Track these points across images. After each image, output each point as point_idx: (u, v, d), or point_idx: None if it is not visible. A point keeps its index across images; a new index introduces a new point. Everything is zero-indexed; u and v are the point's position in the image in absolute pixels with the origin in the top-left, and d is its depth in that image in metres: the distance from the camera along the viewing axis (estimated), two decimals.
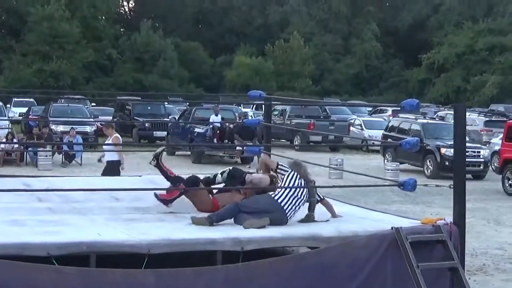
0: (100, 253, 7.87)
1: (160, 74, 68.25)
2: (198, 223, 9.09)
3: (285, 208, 9.28)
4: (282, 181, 9.65)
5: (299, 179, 9.58)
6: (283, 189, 9.43)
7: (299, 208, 9.48)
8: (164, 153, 10.60)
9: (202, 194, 10.13)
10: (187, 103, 41.42)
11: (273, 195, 9.44)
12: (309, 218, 9.58)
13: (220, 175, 10.41)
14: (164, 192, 10.19)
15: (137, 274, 7.72)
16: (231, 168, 10.75)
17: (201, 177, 10.76)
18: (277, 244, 8.92)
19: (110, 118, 39.13)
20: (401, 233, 8.62)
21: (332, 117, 41.39)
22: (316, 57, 75.63)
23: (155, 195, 10.12)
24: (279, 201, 9.30)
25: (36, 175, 15.35)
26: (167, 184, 10.75)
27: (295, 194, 9.42)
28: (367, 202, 17.53)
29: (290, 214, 9.34)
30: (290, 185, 9.48)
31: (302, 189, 9.49)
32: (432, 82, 72.35)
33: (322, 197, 10.00)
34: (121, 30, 79.35)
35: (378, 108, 49.00)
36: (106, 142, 16.49)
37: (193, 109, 33.46)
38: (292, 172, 9.64)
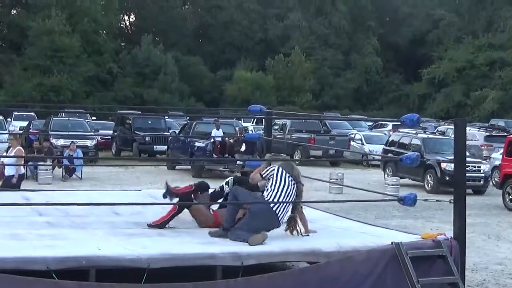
0: (99, 267, 7.85)
1: (160, 88, 68.30)
2: (216, 235, 9.29)
3: (277, 212, 9.29)
4: (272, 180, 9.59)
5: (287, 176, 9.56)
6: (274, 190, 9.41)
7: (288, 209, 9.48)
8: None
9: (204, 209, 10.11)
10: (188, 117, 41.46)
11: (266, 198, 9.44)
12: (290, 222, 9.55)
13: (226, 186, 10.40)
14: (156, 218, 10.18)
15: None
16: (233, 176, 10.77)
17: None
18: (277, 259, 8.91)
19: (111, 132, 39.19)
20: (401, 248, 8.61)
21: (333, 132, 41.39)
22: (316, 72, 75.74)
23: (148, 225, 10.10)
24: (271, 205, 9.30)
25: (36, 189, 15.34)
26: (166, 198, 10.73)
27: (286, 194, 9.40)
28: (367, 217, 17.51)
29: (282, 216, 9.36)
30: (279, 181, 9.46)
31: (291, 188, 9.47)
32: (432, 97, 72.43)
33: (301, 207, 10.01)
34: (122, 44, 79.47)
35: (379, 122, 49.05)
36: (8, 154, 16.16)
37: (194, 123, 33.49)
38: (279, 169, 9.63)
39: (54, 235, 9.08)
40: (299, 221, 9.66)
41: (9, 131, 37.83)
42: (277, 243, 8.95)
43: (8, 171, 15.57)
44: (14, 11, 77.05)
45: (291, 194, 9.47)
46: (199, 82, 74.51)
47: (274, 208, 9.29)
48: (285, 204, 9.36)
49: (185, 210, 10.37)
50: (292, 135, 37.44)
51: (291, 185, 9.51)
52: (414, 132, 30.24)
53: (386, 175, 27.63)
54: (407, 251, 8.59)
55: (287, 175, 9.54)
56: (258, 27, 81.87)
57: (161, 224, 10.02)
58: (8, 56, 69.70)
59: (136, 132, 35.96)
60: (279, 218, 9.34)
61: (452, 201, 9.26)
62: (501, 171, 23.45)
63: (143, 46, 70.92)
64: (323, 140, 36.73)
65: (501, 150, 25.56)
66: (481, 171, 26.04)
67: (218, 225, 9.74)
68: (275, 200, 9.31)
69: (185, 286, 7.84)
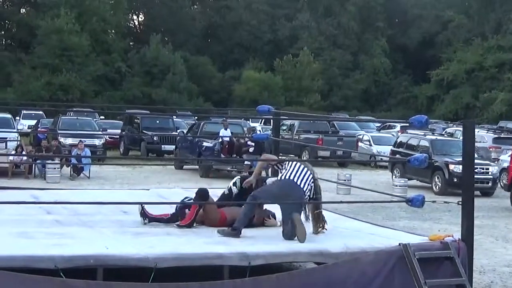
0: (107, 266, 7.87)
1: (169, 88, 68.34)
2: (224, 234, 9.27)
3: (301, 185, 9.40)
4: (284, 167, 9.71)
5: (303, 167, 9.64)
6: (288, 171, 9.53)
7: (310, 187, 9.54)
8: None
9: (212, 208, 10.12)
10: (196, 117, 41.45)
11: (282, 177, 9.55)
12: (317, 219, 9.60)
13: (234, 187, 10.40)
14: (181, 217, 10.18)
15: None
16: (239, 177, 10.78)
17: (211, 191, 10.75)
18: (285, 259, 8.91)
19: (119, 131, 39.24)
20: (409, 250, 8.60)
21: (341, 133, 41.34)
22: (325, 73, 75.72)
23: (177, 225, 10.03)
24: (291, 178, 9.42)
25: (44, 188, 15.36)
26: (175, 197, 10.70)
27: (301, 175, 9.47)
28: (375, 218, 17.49)
29: (306, 190, 9.47)
30: (292, 166, 9.58)
31: (305, 174, 9.51)
32: (441, 99, 72.31)
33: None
34: (131, 43, 79.60)
35: (387, 124, 48.99)
36: None
37: (202, 123, 33.51)
38: (292, 161, 9.73)
39: (62, 234, 9.10)
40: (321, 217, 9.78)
41: (17, 129, 37.90)
42: (284, 243, 8.95)
43: None
44: (23, 10, 77.33)
45: (307, 178, 9.51)
46: (208, 82, 74.54)
47: (295, 180, 9.41)
48: (301, 175, 9.44)
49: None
50: (300, 136, 37.37)
51: (307, 174, 9.55)
52: (423, 133, 30.18)
53: (394, 177, 27.59)
54: (414, 253, 8.59)
55: (302, 165, 9.65)
56: (267, 28, 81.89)
57: (189, 224, 9.98)
58: (17, 55, 69.94)
59: (144, 131, 35.96)
60: (305, 191, 9.42)
61: (460, 203, 9.25)
62: (509, 173, 23.41)
63: (151, 46, 70.98)
64: (331, 141, 36.67)
65: (510, 152, 25.52)
66: (489, 173, 25.98)
67: (225, 223, 9.74)
68: (292, 175, 9.41)
69: (192, 285, 7.85)
